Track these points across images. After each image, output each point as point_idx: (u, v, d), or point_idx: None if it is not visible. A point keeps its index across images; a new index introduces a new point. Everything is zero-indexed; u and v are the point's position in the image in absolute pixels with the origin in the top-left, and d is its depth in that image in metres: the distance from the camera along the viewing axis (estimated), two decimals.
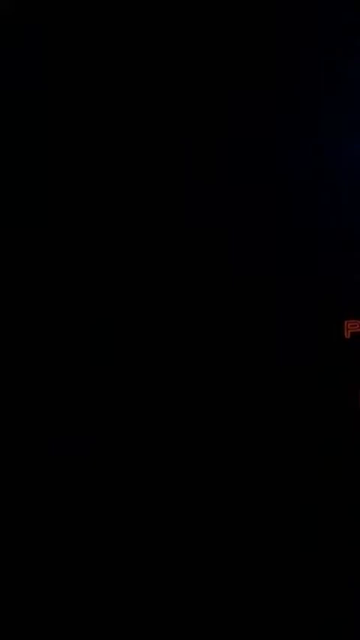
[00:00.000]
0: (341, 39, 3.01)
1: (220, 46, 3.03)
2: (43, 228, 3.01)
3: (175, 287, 2.99)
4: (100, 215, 3.02)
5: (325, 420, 2.93)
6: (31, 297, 3.00)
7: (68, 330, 2.98)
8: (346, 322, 2.93)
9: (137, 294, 2.99)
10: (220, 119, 3.01)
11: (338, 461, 2.91)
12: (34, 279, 3.01)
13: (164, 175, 3.02)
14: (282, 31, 3.02)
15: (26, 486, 2.93)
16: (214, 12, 3.03)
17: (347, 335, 2.93)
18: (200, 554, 2.90)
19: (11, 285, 3.01)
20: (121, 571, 2.90)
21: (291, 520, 2.90)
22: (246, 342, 2.97)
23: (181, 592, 2.88)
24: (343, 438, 2.92)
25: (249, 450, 2.94)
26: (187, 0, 3.03)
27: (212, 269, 2.98)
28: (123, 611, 2.88)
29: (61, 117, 3.04)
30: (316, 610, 2.85)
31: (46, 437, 2.94)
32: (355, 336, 2.93)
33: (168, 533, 2.91)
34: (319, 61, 3.01)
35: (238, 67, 3.02)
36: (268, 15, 3.02)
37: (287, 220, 2.99)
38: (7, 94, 3.04)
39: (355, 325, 2.93)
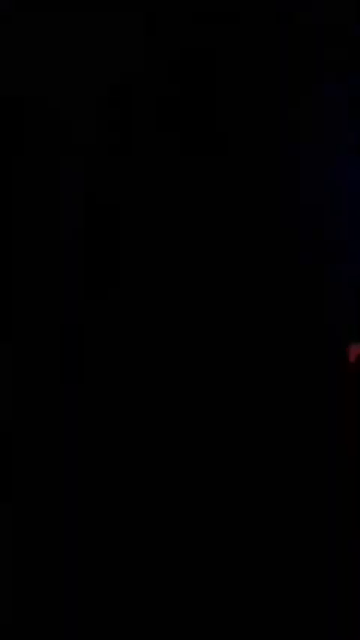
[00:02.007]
0: None
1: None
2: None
3: (175, 287, 2.99)
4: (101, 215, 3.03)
5: (327, 420, 2.94)
6: (30, 297, 3.00)
7: (69, 329, 2.99)
8: (351, 349, 2.93)
9: (137, 293, 3.00)
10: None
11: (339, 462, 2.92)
12: (32, 278, 3.01)
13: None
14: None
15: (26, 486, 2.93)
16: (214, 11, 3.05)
17: (352, 359, 2.93)
18: (200, 554, 2.90)
19: (9, 284, 3.01)
20: (121, 571, 2.90)
21: (290, 521, 2.91)
22: (246, 343, 2.97)
23: (180, 591, 2.88)
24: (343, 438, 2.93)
25: (249, 452, 2.94)
26: (187, 0, 3.05)
27: (212, 269, 2.99)
28: (122, 610, 2.88)
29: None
30: (316, 610, 2.86)
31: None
32: None
33: (168, 532, 2.91)
34: None
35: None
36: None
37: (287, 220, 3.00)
38: None
39: None
